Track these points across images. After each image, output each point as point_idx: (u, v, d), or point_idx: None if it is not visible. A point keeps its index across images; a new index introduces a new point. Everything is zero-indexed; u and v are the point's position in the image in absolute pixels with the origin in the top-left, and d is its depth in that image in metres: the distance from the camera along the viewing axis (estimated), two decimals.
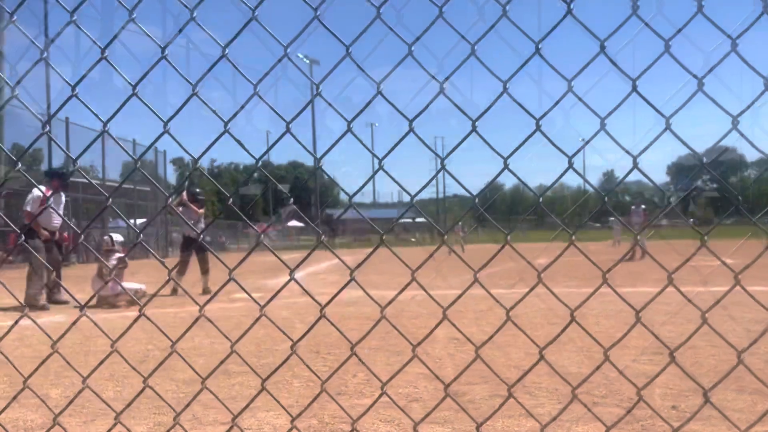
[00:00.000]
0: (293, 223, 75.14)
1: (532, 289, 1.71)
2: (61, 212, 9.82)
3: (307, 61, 68.89)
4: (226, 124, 1.31)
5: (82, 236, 1.64)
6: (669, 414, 3.35)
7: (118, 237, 10.62)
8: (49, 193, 9.30)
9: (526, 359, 4.86)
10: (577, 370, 4.41)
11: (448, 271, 17.70)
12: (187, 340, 5.84)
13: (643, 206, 19.83)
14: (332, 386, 4.07)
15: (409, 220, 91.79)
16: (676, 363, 1.76)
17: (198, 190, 11.92)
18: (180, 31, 1.26)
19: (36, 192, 9.32)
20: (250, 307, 8.77)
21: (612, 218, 33.43)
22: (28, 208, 9.20)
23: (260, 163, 1.42)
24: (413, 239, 64.43)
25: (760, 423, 3.11)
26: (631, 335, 6.00)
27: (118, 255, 9.86)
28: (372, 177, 1.51)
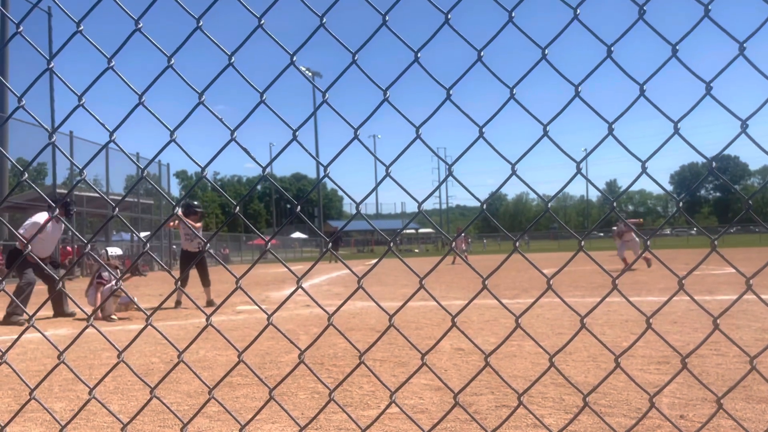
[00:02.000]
0: (296, 234, 75.26)
1: (542, 294, 1.70)
2: (57, 239, 9.90)
3: (310, 74, 69.41)
4: (232, 132, 1.31)
5: (88, 247, 1.63)
6: (677, 423, 3.32)
7: (115, 251, 10.64)
8: (48, 222, 9.42)
9: (532, 369, 4.83)
10: (584, 380, 4.38)
11: (452, 281, 17.58)
12: (192, 352, 5.83)
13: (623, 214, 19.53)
14: (337, 398, 4.04)
15: (413, 231, 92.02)
16: (687, 369, 1.74)
17: (195, 202, 11.93)
18: (186, 39, 1.26)
19: (34, 219, 9.41)
20: (255, 318, 8.76)
21: (615, 228, 33.40)
22: (22, 231, 9.24)
23: (266, 171, 1.42)
24: (416, 250, 64.41)
25: None
26: (637, 345, 5.96)
27: (113, 269, 9.90)
28: (379, 183, 1.51)
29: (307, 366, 1.72)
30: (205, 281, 11.01)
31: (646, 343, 5.54)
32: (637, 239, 18.11)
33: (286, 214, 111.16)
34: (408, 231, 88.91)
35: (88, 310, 9.44)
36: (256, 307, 10.14)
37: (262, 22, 1.25)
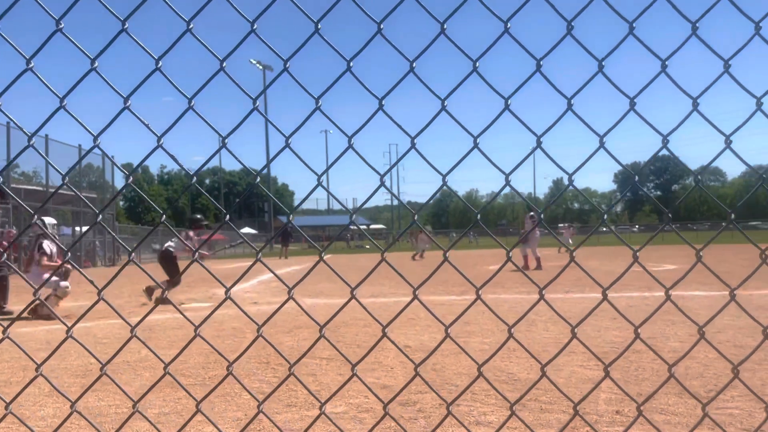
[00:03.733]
0: (246, 230, 74.22)
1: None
2: None
3: (260, 67, 68.39)
4: (159, 138, 1.26)
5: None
6: (613, 418, 3.43)
7: (50, 220, 10.23)
8: None
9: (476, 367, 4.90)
10: (527, 376, 4.46)
11: (405, 277, 17.50)
12: (134, 352, 5.66)
13: (531, 213, 18.95)
14: (282, 397, 4.01)
15: (364, 227, 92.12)
16: (610, 378, 1.79)
17: (199, 216, 12.18)
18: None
19: None
20: (200, 317, 8.58)
21: (561, 225, 34.20)
22: None
23: (194, 174, 1.39)
24: (368, 246, 64.47)
25: (700, 426, 3.21)
26: (577, 342, 6.08)
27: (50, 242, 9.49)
28: (312, 191, 1.49)
29: (236, 378, 1.69)
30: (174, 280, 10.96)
31: (586, 340, 5.69)
32: (537, 237, 17.98)
33: (235, 209, 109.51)
34: (360, 226, 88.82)
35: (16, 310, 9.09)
36: (203, 305, 9.85)
37: (190, 26, 1.21)
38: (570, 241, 31.66)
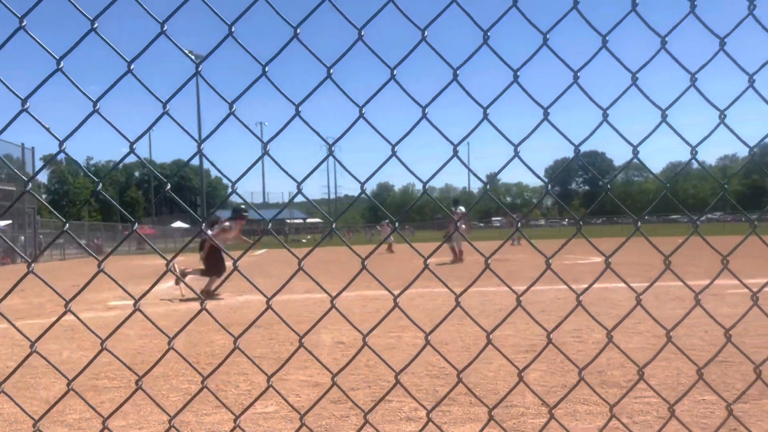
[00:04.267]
0: (177, 224, 72.24)
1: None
2: None
3: (193, 56, 66.73)
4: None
5: None
6: (539, 410, 3.53)
7: None
8: None
9: (409, 360, 4.94)
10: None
11: (336, 273, 17.38)
12: (55, 354, 5.43)
13: (455, 209, 19.35)
14: (210, 398, 3.93)
15: (300, 221, 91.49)
16: (524, 382, 1.85)
17: (243, 206, 11.67)
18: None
19: None
20: (126, 315, 8.30)
21: (494, 218, 34.86)
22: None
23: (100, 184, 1.34)
24: (304, 240, 64.08)
25: (619, 415, 3.35)
26: (507, 334, 6.20)
27: None
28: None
29: (147, 393, 1.65)
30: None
31: (517, 332, 5.84)
32: (458, 233, 18.03)
33: (166, 203, 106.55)
34: (296, 221, 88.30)
35: None
36: (129, 302, 9.53)
37: (95, 26, 1.15)
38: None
